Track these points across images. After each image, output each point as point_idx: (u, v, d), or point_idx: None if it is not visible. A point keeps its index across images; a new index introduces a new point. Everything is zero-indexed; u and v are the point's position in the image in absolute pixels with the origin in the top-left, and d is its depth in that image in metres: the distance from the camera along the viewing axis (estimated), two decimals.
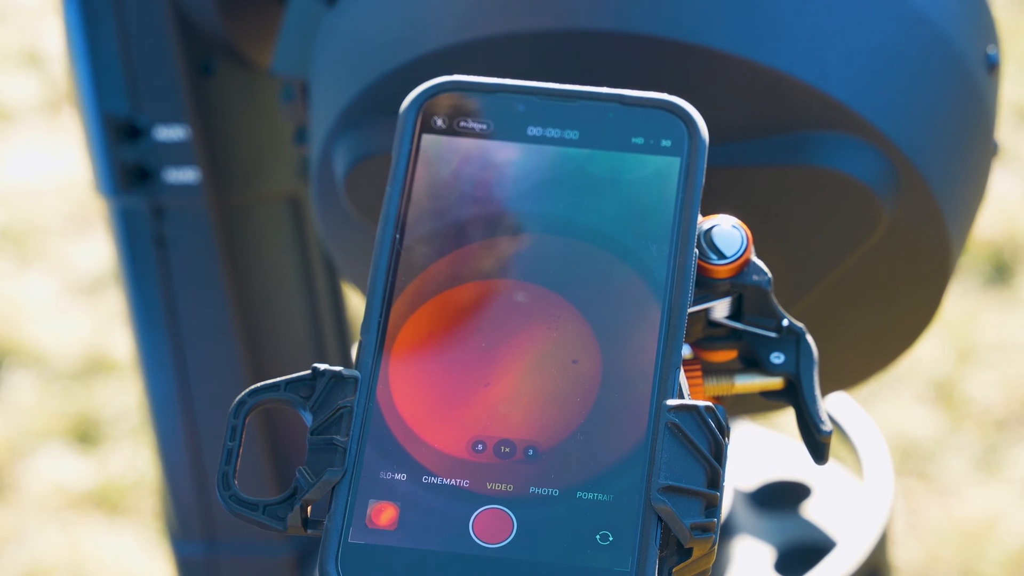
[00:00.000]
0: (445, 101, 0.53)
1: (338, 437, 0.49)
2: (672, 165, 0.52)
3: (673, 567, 0.48)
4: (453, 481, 0.49)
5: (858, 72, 0.63)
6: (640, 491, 0.48)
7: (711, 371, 0.57)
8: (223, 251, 0.85)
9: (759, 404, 0.58)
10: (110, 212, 0.86)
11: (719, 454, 0.49)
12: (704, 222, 0.54)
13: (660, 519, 0.48)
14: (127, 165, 0.83)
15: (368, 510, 0.48)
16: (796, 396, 0.55)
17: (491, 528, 0.48)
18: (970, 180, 0.68)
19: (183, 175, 0.83)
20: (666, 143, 0.52)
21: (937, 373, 1.74)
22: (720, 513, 0.48)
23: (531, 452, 0.49)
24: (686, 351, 0.56)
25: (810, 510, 0.94)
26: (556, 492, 0.48)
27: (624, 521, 0.48)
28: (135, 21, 0.81)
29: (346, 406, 0.49)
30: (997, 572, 1.55)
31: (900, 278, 0.68)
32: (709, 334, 0.56)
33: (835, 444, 0.91)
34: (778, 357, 0.55)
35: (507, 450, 0.49)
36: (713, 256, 0.53)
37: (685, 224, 0.51)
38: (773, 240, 0.65)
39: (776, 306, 0.55)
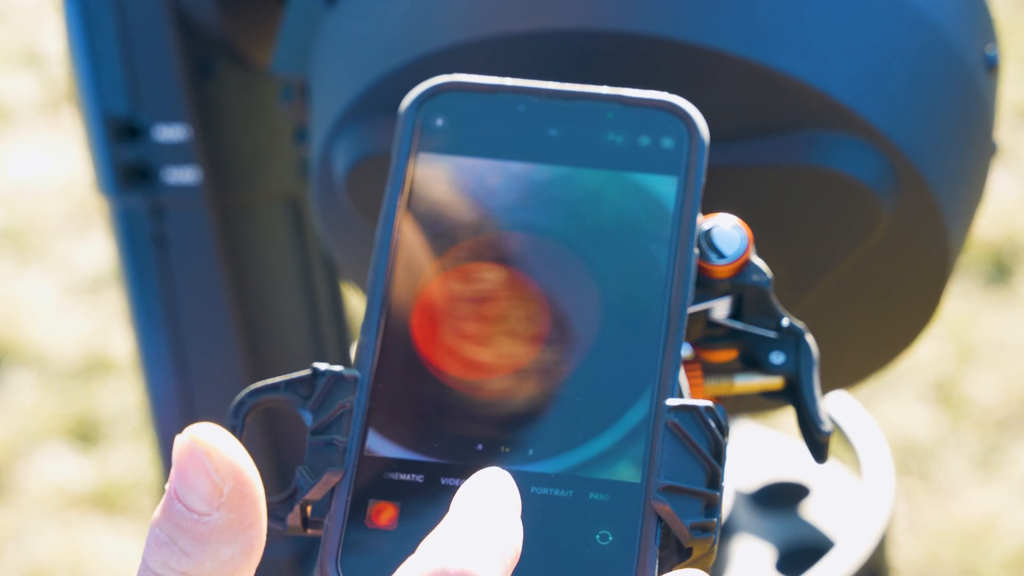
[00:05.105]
0: (445, 101, 0.53)
1: (338, 437, 0.49)
2: (672, 165, 0.52)
3: (673, 567, 0.48)
4: (453, 481, 0.49)
5: (858, 72, 0.63)
6: (640, 491, 0.48)
7: (711, 371, 0.56)
8: (223, 251, 0.85)
9: (759, 404, 0.58)
10: (110, 212, 0.86)
11: (719, 454, 0.49)
12: (704, 222, 0.54)
13: (660, 519, 0.48)
14: (127, 165, 0.83)
15: (368, 510, 0.48)
16: (796, 396, 0.55)
17: None
18: (970, 180, 0.68)
19: (183, 175, 0.83)
20: (666, 143, 0.52)
21: (937, 373, 1.74)
22: (720, 513, 0.48)
23: (531, 453, 0.49)
24: (686, 351, 0.56)
25: (810, 510, 0.93)
26: (556, 492, 0.48)
27: (624, 521, 0.48)
28: (135, 21, 0.81)
29: (346, 406, 0.49)
30: (997, 572, 1.55)
31: (900, 278, 0.68)
32: (709, 334, 0.56)
33: (835, 444, 0.91)
34: (778, 357, 0.55)
35: (507, 450, 0.49)
36: (713, 256, 0.53)
37: (685, 224, 0.51)
38: (773, 240, 0.65)
39: (776, 306, 0.55)
